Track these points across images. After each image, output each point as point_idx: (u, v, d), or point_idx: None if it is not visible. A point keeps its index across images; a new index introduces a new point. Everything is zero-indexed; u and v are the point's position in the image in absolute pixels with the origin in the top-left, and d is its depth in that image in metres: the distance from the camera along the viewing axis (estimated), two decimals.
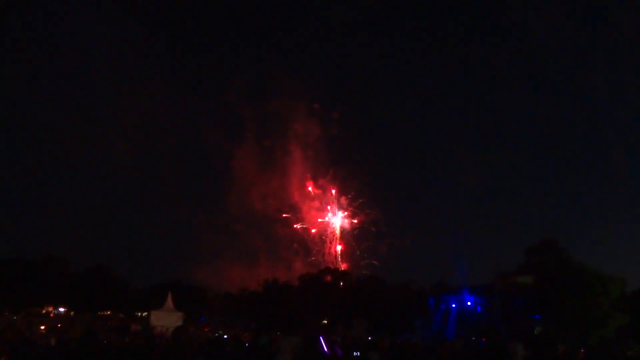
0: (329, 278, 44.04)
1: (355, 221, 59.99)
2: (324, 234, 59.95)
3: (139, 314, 42.21)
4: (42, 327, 17.09)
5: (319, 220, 60.87)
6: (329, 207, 60.23)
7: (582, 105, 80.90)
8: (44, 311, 40.47)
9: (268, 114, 65.87)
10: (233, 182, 64.82)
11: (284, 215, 61.41)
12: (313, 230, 59.82)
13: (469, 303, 29.77)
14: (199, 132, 75.80)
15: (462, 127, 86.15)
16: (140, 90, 66.11)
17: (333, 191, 61.11)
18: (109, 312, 43.28)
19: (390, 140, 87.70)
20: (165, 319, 26.59)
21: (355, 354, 7.81)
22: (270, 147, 65.41)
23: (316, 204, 61.63)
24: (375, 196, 60.73)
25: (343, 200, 60.69)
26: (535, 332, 21.23)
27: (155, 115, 74.19)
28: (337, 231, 59.71)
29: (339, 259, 58.86)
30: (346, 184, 61.36)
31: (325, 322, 38.02)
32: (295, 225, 60.65)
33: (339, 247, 59.58)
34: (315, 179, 62.60)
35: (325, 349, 5.43)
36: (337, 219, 60.40)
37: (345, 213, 60.60)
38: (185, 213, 68.98)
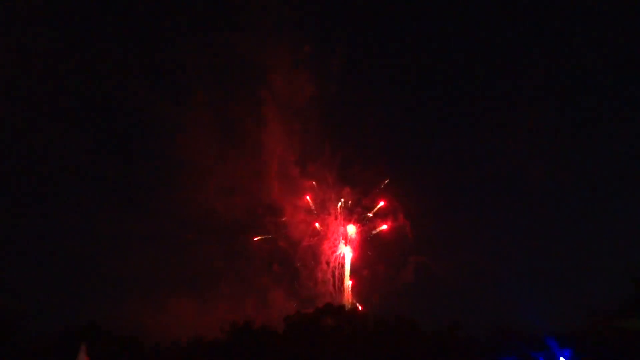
0: (329, 321, 41.98)
1: (376, 230, 56.45)
2: (319, 250, 56.39)
3: None
4: None
5: (312, 226, 57.18)
6: (312, 210, 57.00)
7: None
8: None
9: (230, 62, 59.95)
10: (179, 170, 59.10)
11: (258, 220, 57.67)
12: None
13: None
14: (120, 88, 65.57)
15: (527, 85, 72.80)
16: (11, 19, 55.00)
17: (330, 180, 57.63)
18: None
19: (418, 105, 77.72)
20: None
21: None
22: (235, 113, 59.73)
23: (307, 202, 57.55)
24: (397, 191, 56.56)
25: (347, 195, 56.89)
26: None
27: (42, 58, 59.05)
28: (341, 244, 56.16)
29: (346, 290, 55.22)
30: (352, 172, 57.53)
31: None
32: (274, 236, 56.96)
33: (347, 278, 56.00)
34: (304, 164, 58.21)
35: None
36: (339, 225, 56.93)
37: (352, 216, 57.11)
38: (103, 217, 60.59)
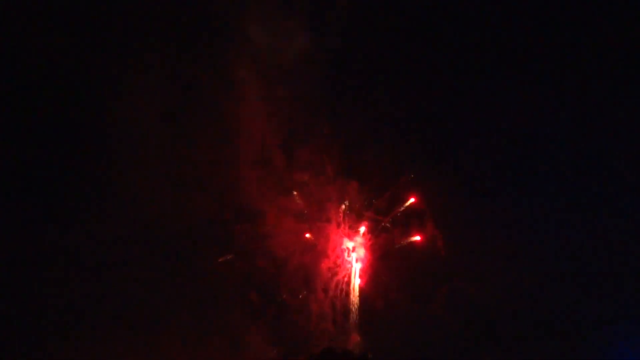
0: None
1: (399, 244, 51.11)
2: (314, 272, 50.87)
3: None
4: None
5: (304, 238, 51.60)
6: (304, 216, 52.29)
7: None
8: None
9: (187, 4, 51.09)
10: (111, 158, 52.02)
11: (226, 229, 51.88)
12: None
13: None
14: (30, 44, 59.60)
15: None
16: None
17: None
18: None
19: (455, 66, 69.08)
20: None
21: None
22: (195, 75, 51.94)
23: (296, 203, 52.07)
24: (424, 190, 51.12)
25: (354, 193, 51.27)
26: None
27: None
28: (349, 260, 50.98)
29: (352, 327, 50.17)
30: (360, 162, 51.95)
31: None
32: (250, 253, 51.46)
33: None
34: (292, 149, 52.48)
35: None
36: (342, 236, 51.55)
37: (361, 223, 51.60)
38: (7, 230, 51.89)
